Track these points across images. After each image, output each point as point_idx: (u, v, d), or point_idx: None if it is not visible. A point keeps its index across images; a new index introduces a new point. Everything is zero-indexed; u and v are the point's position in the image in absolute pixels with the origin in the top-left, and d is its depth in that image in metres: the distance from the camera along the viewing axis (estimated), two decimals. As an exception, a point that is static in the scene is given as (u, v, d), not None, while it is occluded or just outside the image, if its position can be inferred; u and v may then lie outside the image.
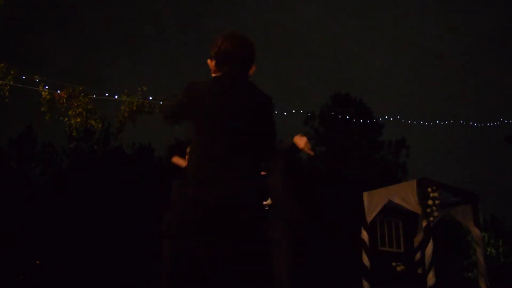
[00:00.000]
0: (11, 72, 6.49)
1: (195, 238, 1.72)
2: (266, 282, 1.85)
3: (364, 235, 8.30)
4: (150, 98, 7.30)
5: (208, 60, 2.09)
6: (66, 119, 6.91)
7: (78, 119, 6.90)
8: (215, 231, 1.71)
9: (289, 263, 3.14)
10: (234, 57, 1.95)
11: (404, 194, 7.76)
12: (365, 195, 8.52)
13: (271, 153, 2.04)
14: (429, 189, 7.43)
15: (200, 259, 1.72)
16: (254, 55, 2.02)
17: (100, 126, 7.26)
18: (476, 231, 8.34)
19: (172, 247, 1.76)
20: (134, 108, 7.12)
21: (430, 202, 7.35)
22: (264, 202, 3.23)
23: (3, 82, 6.43)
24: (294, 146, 2.95)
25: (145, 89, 7.24)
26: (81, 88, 7.00)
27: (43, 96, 6.75)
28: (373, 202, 8.34)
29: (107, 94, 7.18)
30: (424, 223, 7.49)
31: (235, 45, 1.96)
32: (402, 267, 9.31)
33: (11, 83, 6.48)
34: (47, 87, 6.80)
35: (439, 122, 11.61)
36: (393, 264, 9.41)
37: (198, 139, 1.87)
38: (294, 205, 3.29)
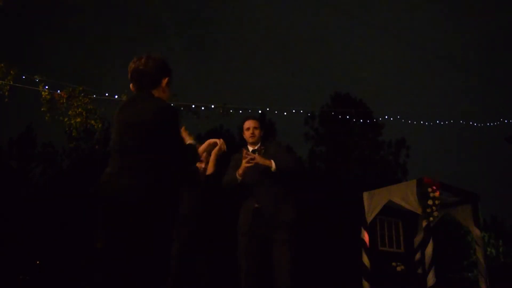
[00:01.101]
0: (11, 72, 6.47)
1: (99, 231, 2.06)
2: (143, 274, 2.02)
3: (364, 235, 8.29)
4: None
5: (130, 85, 2.33)
6: (66, 119, 6.90)
7: (78, 119, 6.89)
8: (105, 226, 2.03)
9: (286, 265, 3.14)
10: (137, 75, 2.24)
11: (404, 194, 7.75)
12: (365, 195, 8.51)
13: (170, 154, 2.17)
14: (429, 189, 7.41)
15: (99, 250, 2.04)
16: (159, 70, 2.26)
17: (100, 126, 7.23)
18: (476, 231, 8.33)
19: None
20: None
21: (430, 202, 7.34)
22: (256, 205, 3.28)
23: (3, 82, 6.42)
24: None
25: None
26: (81, 88, 6.98)
27: (43, 96, 6.74)
28: (373, 202, 8.34)
29: (107, 94, 7.17)
30: (424, 223, 7.48)
31: (138, 65, 2.24)
32: (402, 267, 9.31)
33: (11, 83, 6.47)
34: (47, 87, 6.79)
35: (439, 122, 11.60)
36: (393, 264, 9.41)
37: None
38: (284, 209, 3.31)
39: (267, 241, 3.22)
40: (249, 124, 3.52)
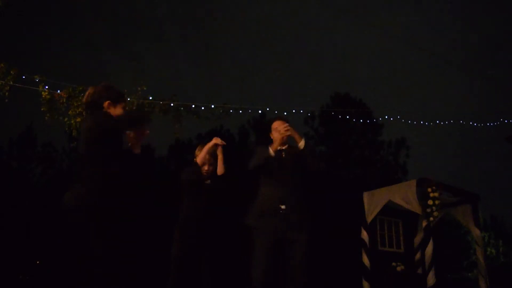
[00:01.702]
0: (11, 72, 6.46)
1: None
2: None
3: (364, 235, 8.30)
4: (150, 98, 7.28)
5: None
6: (66, 119, 6.89)
7: (78, 119, 6.87)
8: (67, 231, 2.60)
9: (304, 267, 3.15)
10: (85, 105, 2.78)
11: (404, 194, 7.75)
12: (365, 195, 8.51)
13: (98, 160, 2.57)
14: (429, 189, 7.41)
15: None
16: (99, 97, 2.73)
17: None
18: (476, 231, 8.34)
19: None
20: (134, 108, 7.07)
21: (430, 202, 7.34)
22: (282, 206, 3.26)
23: (3, 82, 6.42)
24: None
25: (144, 88, 7.19)
26: (81, 88, 6.97)
27: (43, 96, 6.72)
28: (373, 202, 8.34)
29: (107, 94, 7.13)
30: (424, 223, 7.48)
31: (85, 96, 2.79)
32: (402, 267, 9.30)
33: (11, 83, 6.46)
34: (47, 87, 6.77)
35: (439, 122, 11.56)
36: (393, 264, 9.40)
37: None
38: (305, 211, 3.34)
39: (284, 242, 3.23)
40: (277, 124, 3.53)
